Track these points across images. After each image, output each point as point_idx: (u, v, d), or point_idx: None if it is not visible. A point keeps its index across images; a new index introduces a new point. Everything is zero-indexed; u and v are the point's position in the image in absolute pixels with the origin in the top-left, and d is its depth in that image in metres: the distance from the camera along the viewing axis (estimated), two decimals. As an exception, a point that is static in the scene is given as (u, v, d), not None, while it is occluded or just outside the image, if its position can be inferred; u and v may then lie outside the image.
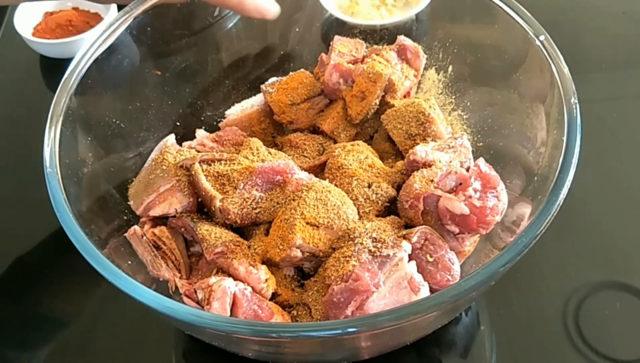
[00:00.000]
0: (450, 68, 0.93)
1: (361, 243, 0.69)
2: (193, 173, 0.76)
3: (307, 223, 0.71)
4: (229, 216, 0.74)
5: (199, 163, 0.77)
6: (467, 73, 0.92)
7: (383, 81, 0.85)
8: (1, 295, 0.89)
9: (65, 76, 0.79)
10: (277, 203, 0.75)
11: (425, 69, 0.94)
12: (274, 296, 0.73)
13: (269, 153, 0.82)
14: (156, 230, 0.77)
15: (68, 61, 0.81)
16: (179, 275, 0.76)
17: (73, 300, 0.88)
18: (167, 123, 0.93)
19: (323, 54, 0.93)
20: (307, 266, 0.75)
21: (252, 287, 0.70)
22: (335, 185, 0.77)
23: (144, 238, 0.76)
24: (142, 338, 0.84)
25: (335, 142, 0.88)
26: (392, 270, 0.67)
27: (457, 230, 0.72)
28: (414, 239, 0.70)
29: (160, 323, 0.78)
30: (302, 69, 0.94)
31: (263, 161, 0.78)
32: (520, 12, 0.80)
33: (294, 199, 0.73)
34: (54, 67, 1.17)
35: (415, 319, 0.57)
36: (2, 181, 1.03)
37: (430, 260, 0.70)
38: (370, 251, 0.68)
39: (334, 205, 0.72)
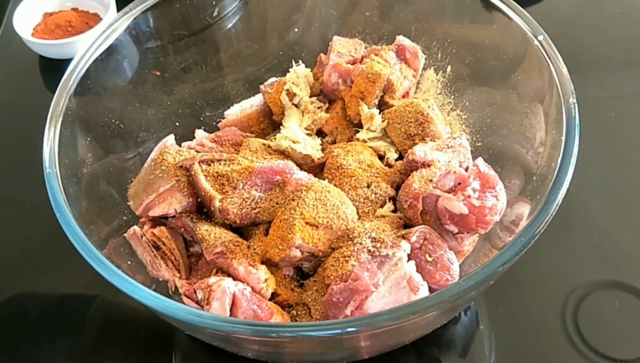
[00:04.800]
0: (449, 68, 0.94)
1: (360, 243, 0.69)
2: (192, 173, 0.76)
3: (307, 223, 0.71)
4: (229, 216, 0.75)
5: (199, 163, 0.77)
6: (465, 73, 0.92)
7: (382, 81, 0.85)
8: (0, 296, 0.89)
9: (65, 76, 0.79)
10: (277, 203, 0.75)
11: (424, 69, 0.94)
12: (273, 296, 0.73)
13: (269, 153, 0.83)
14: (156, 230, 0.77)
15: (67, 61, 0.82)
16: (178, 275, 0.76)
17: (73, 300, 0.88)
18: (166, 123, 0.94)
19: (322, 55, 0.94)
20: (306, 266, 0.75)
21: (252, 287, 0.70)
22: (335, 185, 0.77)
23: (144, 238, 0.76)
24: (142, 338, 0.84)
25: (334, 142, 0.89)
26: (391, 269, 0.67)
27: (456, 230, 0.72)
28: (413, 239, 0.70)
29: (160, 323, 0.78)
30: (301, 69, 0.94)
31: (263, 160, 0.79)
32: (518, 12, 0.81)
33: (293, 199, 0.73)
34: (53, 68, 1.17)
35: (414, 319, 0.57)
36: (2, 181, 1.03)
37: (430, 259, 0.70)
38: (369, 251, 0.68)
39: (333, 205, 0.72)
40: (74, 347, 0.84)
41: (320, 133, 0.90)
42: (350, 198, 0.76)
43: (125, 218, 0.80)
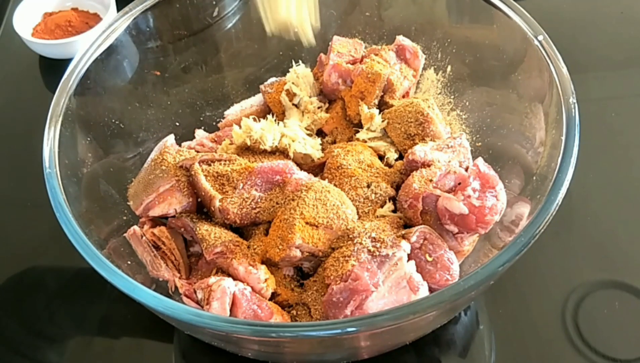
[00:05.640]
0: (449, 68, 0.94)
1: (360, 243, 0.69)
2: (192, 173, 0.76)
3: (307, 223, 0.71)
4: (229, 216, 0.75)
5: (199, 163, 0.77)
6: (465, 73, 0.92)
7: (382, 81, 0.85)
8: (1, 295, 0.90)
9: (65, 76, 0.79)
10: (277, 203, 0.75)
11: (424, 69, 0.94)
12: (273, 296, 0.73)
13: (269, 152, 0.83)
14: (156, 230, 0.77)
15: (67, 61, 0.82)
16: (178, 275, 0.76)
17: (73, 300, 0.88)
18: (166, 123, 0.94)
19: (322, 54, 0.94)
20: (306, 266, 0.75)
21: (252, 287, 0.70)
22: (335, 185, 0.77)
23: (144, 238, 0.76)
24: (142, 338, 0.84)
25: (334, 142, 0.89)
26: (391, 269, 0.67)
27: (456, 230, 0.72)
28: (413, 239, 0.70)
29: (160, 323, 0.78)
30: (301, 69, 0.94)
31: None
32: (518, 12, 0.81)
33: (293, 199, 0.73)
34: (53, 68, 1.17)
35: (414, 319, 0.57)
36: (2, 181, 1.03)
37: (430, 259, 0.70)
38: (369, 250, 0.68)
39: (333, 205, 0.72)
40: (72, 350, 0.84)
41: (320, 133, 0.90)
42: (350, 198, 0.76)
43: (125, 218, 0.80)
